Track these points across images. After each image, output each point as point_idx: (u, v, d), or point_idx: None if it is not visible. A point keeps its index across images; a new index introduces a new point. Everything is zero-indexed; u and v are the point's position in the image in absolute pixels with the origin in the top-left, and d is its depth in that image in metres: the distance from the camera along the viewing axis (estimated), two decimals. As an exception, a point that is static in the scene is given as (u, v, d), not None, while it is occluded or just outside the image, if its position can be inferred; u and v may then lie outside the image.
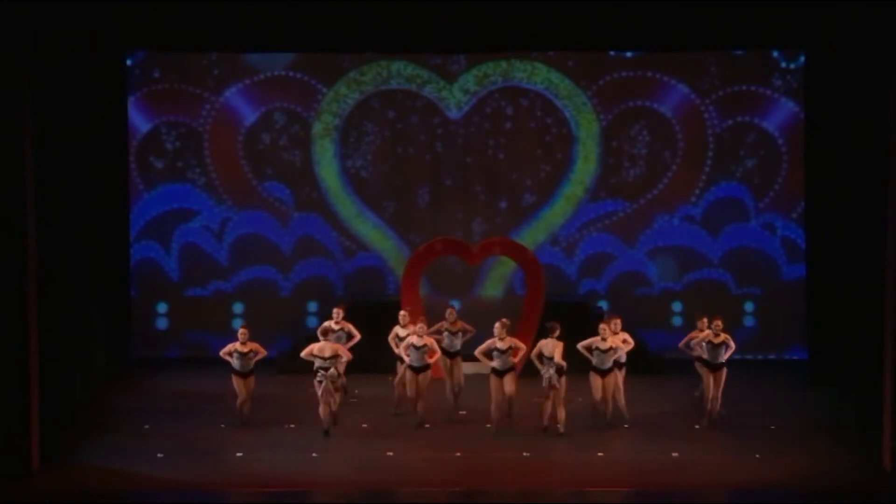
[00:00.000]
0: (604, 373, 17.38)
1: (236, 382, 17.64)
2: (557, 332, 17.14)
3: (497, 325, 17.39)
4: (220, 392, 19.16)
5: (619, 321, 17.65)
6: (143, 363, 22.29)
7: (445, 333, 18.18)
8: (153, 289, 23.14)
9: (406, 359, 17.62)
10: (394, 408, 18.18)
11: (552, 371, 16.97)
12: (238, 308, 23.28)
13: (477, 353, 17.53)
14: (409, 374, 17.66)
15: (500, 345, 17.38)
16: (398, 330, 18.08)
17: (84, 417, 18.15)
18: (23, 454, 15.44)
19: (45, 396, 16.07)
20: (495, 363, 17.38)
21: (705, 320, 17.69)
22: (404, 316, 18.28)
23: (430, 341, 17.72)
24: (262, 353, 17.73)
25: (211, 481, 15.39)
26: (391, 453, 16.48)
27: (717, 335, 17.37)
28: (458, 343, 18.14)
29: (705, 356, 17.32)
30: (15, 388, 15.45)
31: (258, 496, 15.07)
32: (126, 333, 22.04)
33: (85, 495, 14.89)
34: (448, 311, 18.38)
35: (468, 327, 18.53)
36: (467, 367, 18.74)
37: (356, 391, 18.59)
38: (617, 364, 17.38)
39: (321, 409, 17.18)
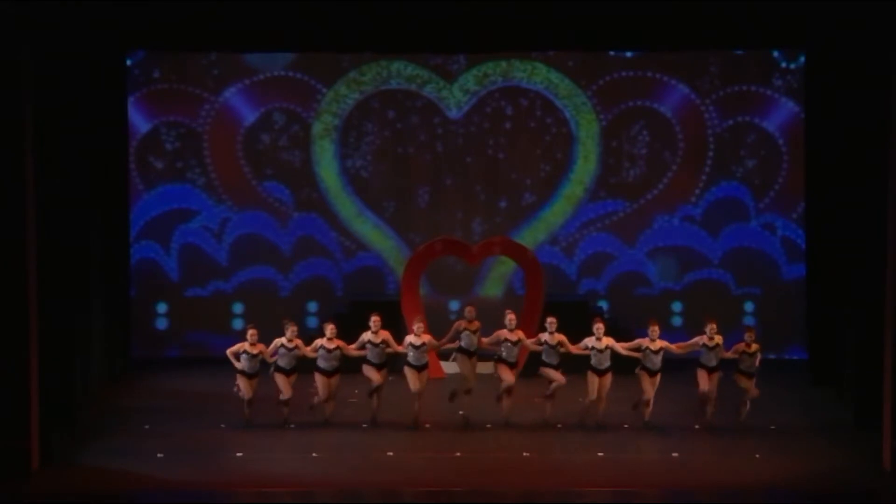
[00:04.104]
0: (601, 372, 17.44)
1: (243, 383, 17.57)
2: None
3: (509, 316, 17.72)
4: (220, 392, 19.16)
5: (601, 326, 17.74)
6: (143, 363, 22.26)
7: (465, 332, 17.89)
8: (153, 289, 23.13)
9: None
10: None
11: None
12: (238, 308, 23.27)
13: (485, 342, 17.77)
14: (408, 372, 17.65)
15: (510, 336, 17.57)
16: (411, 339, 17.80)
17: (84, 417, 18.14)
18: (23, 454, 15.45)
19: (45, 396, 16.07)
20: (504, 353, 17.59)
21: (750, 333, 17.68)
22: (419, 327, 17.90)
23: (428, 339, 17.72)
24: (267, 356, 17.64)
25: (211, 481, 15.39)
26: (391, 453, 16.48)
27: (711, 338, 17.43)
28: (476, 341, 17.90)
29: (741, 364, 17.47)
30: (15, 388, 15.45)
31: (258, 496, 15.06)
32: (126, 333, 22.03)
33: (85, 495, 14.88)
34: (467, 309, 18.10)
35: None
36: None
37: (356, 391, 18.58)
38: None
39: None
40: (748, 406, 17.50)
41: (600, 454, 16.45)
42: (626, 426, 17.58)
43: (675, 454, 16.43)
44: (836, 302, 19.68)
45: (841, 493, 14.97)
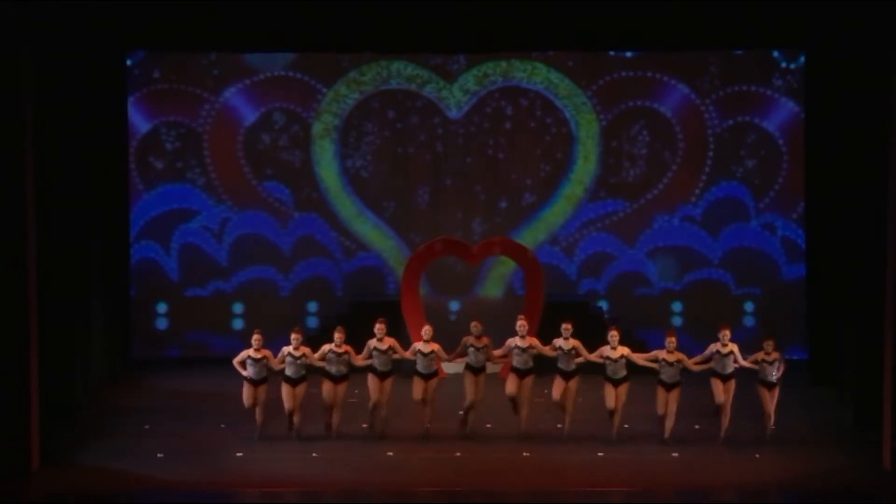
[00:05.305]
0: (616, 382, 17.08)
1: (248, 390, 17.06)
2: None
3: (519, 322, 17.26)
4: (220, 392, 19.16)
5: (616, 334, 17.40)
6: (143, 363, 22.27)
7: (471, 349, 17.39)
8: (153, 289, 23.14)
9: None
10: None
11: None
12: (238, 308, 23.28)
13: (497, 354, 17.37)
14: (417, 380, 17.31)
15: (521, 343, 17.24)
16: (420, 346, 17.40)
17: (84, 417, 18.14)
18: (23, 454, 15.45)
19: (45, 396, 16.08)
20: (516, 362, 17.23)
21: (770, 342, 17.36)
22: (427, 331, 17.47)
23: (436, 347, 17.49)
24: (273, 362, 17.12)
25: (211, 481, 15.38)
26: (391, 453, 16.47)
27: (724, 345, 17.13)
28: (483, 358, 17.40)
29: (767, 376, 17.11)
30: (15, 388, 15.45)
31: (258, 496, 15.06)
32: (126, 333, 22.03)
33: (85, 495, 14.89)
34: (473, 325, 17.51)
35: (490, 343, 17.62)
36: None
37: (356, 391, 18.55)
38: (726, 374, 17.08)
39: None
40: (772, 422, 17.10)
41: (600, 454, 16.45)
42: (626, 426, 17.55)
43: (674, 454, 16.43)
44: (836, 302, 19.68)
45: (841, 493, 14.97)
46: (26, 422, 15.48)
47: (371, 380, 17.21)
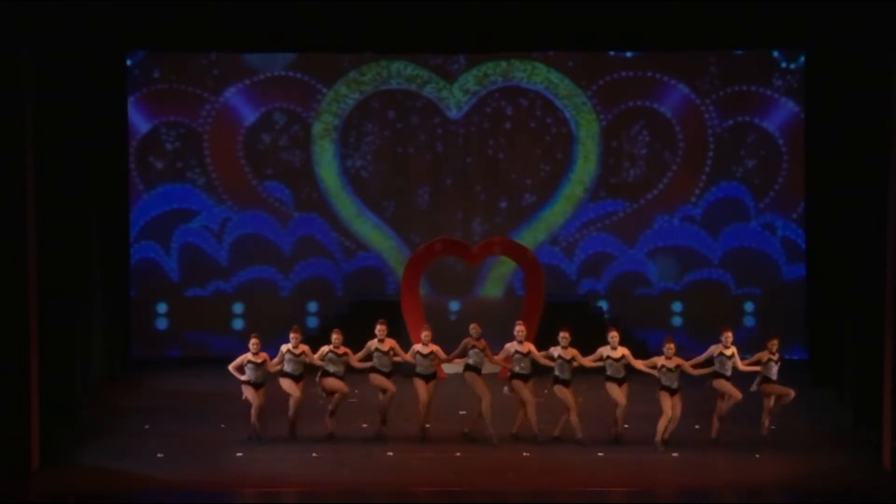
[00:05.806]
0: (620, 381, 16.95)
1: (250, 394, 17.00)
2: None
3: (518, 328, 17.12)
4: (220, 392, 19.14)
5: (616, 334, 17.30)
6: (143, 363, 22.28)
7: (473, 350, 17.23)
8: (153, 289, 23.14)
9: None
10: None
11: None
12: (238, 308, 23.28)
13: (497, 359, 17.31)
14: (418, 383, 17.22)
15: (521, 348, 17.07)
16: (419, 348, 17.32)
17: (84, 417, 18.14)
18: (23, 454, 15.44)
19: (45, 396, 16.07)
20: (517, 367, 17.09)
21: (775, 342, 17.26)
22: (426, 335, 17.36)
23: (436, 349, 17.44)
24: (270, 363, 17.04)
25: (211, 481, 15.38)
26: (391, 453, 16.48)
27: (727, 347, 17.08)
28: (482, 359, 17.22)
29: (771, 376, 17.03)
30: (15, 388, 15.45)
31: (258, 496, 15.06)
32: (126, 333, 22.04)
33: (85, 495, 14.88)
34: (472, 327, 17.35)
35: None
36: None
37: (356, 391, 18.56)
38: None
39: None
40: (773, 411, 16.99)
41: (600, 454, 16.45)
42: (626, 426, 17.54)
43: (674, 454, 16.44)
44: (836, 302, 19.69)
45: (841, 493, 14.97)
46: (26, 422, 15.47)
47: (377, 378, 17.19)
